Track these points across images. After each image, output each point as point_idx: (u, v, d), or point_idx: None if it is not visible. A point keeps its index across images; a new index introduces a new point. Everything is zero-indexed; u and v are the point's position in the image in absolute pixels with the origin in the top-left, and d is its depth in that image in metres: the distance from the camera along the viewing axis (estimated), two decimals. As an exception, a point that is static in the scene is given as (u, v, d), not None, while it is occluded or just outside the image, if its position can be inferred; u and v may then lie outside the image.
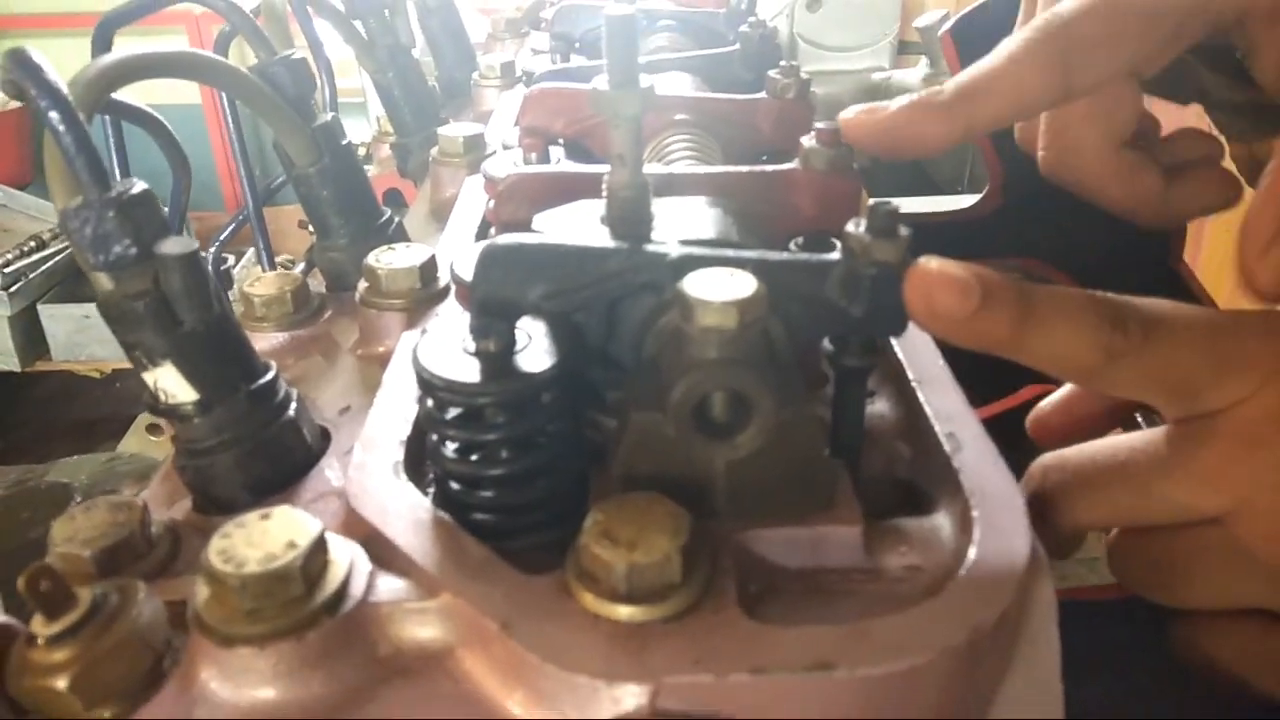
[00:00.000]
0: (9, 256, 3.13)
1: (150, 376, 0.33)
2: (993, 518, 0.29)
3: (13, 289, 3.10)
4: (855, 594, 0.29)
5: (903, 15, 0.98)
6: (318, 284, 0.53)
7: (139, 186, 0.32)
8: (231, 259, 3.31)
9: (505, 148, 0.57)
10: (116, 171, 0.52)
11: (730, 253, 0.30)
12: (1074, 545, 0.37)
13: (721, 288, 0.27)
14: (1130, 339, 0.31)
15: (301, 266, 0.67)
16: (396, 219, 0.52)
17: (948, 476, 0.31)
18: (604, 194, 0.32)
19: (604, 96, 0.30)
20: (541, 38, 0.74)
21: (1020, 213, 0.58)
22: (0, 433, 3.17)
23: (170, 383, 0.33)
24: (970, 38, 0.55)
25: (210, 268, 0.69)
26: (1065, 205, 0.60)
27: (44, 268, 3.20)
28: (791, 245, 0.38)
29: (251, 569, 0.25)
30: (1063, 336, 0.31)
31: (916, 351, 0.37)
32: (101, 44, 0.52)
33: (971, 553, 0.27)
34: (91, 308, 3.14)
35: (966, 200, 0.61)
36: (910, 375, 0.36)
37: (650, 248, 0.30)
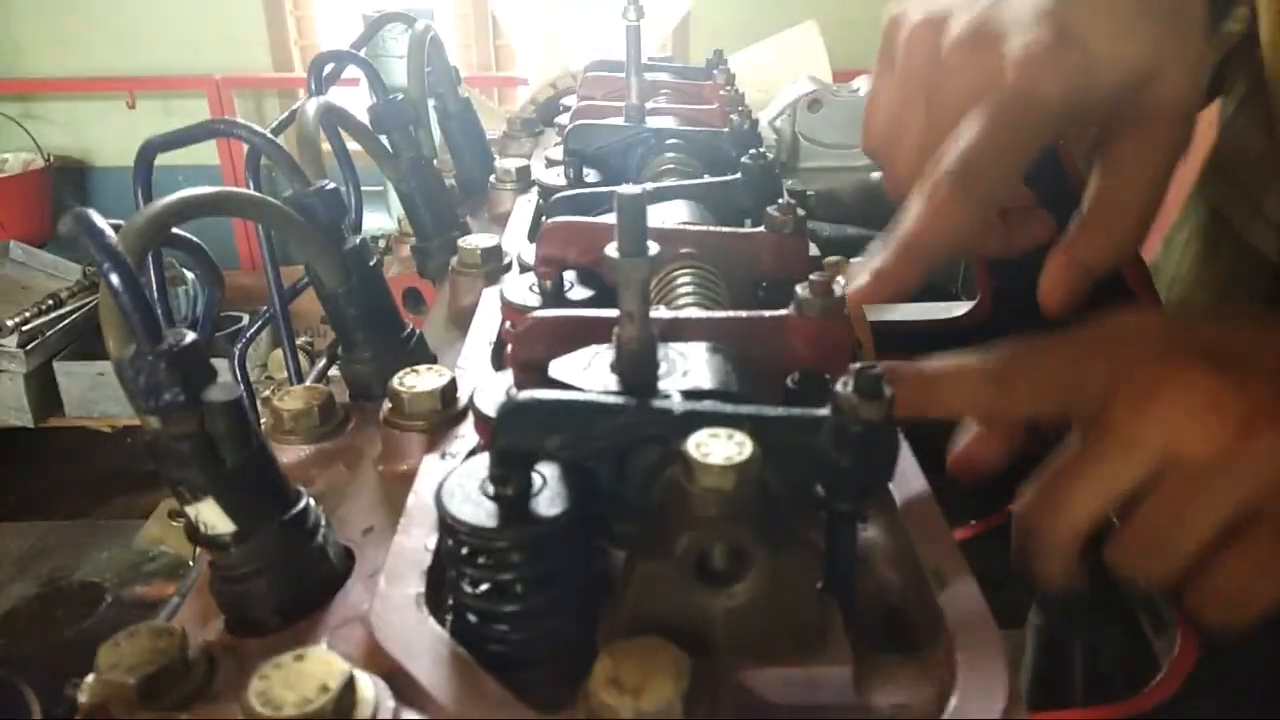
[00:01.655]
0: (27, 314, 3.19)
1: (192, 510, 0.36)
2: (974, 661, 0.31)
3: (29, 346, 3.15)
4: (847, 730, 0.31)
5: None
6: (341, 392, 0.55)
7: (189, 338, 0.35)
8: (245, 319, 3.37)
9: (521, 266, 0.61)
10: (155, 291, 0.55)
11: (729, 408, 0.33)
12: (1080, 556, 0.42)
13: (721, 450, 0.30)
14: (997, 365, 0.42)
15: (323, 363, 0.70)
16: (418, 332, 0.55)
17: (933, 614, 0.33)
18: (614, 344, 0.35)
19: (617, 264, 0.33)
20: (555, 146, 0.78)
21: (1010, 325, 0.61)
22: (13, 488, 3.19)
23: (211, 516, 0.36)
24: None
25: (236, 365, 0.72)
26: (1052, 319, 0.62)
27: (60, 325, 3.26)
28: (789, 382, 0.41)
29: (288, 712, 0.28)
30: (957, 392, 0.43)
31: (906, 484, 0.40)
32: (143, 166, 0.56)
33: (953, 699, 0.30)
34: (106, 365, 3.18)
35: (959, 308, 0.64)
36: (899, 509, 0.38)
37: (656, 403, 0.33)
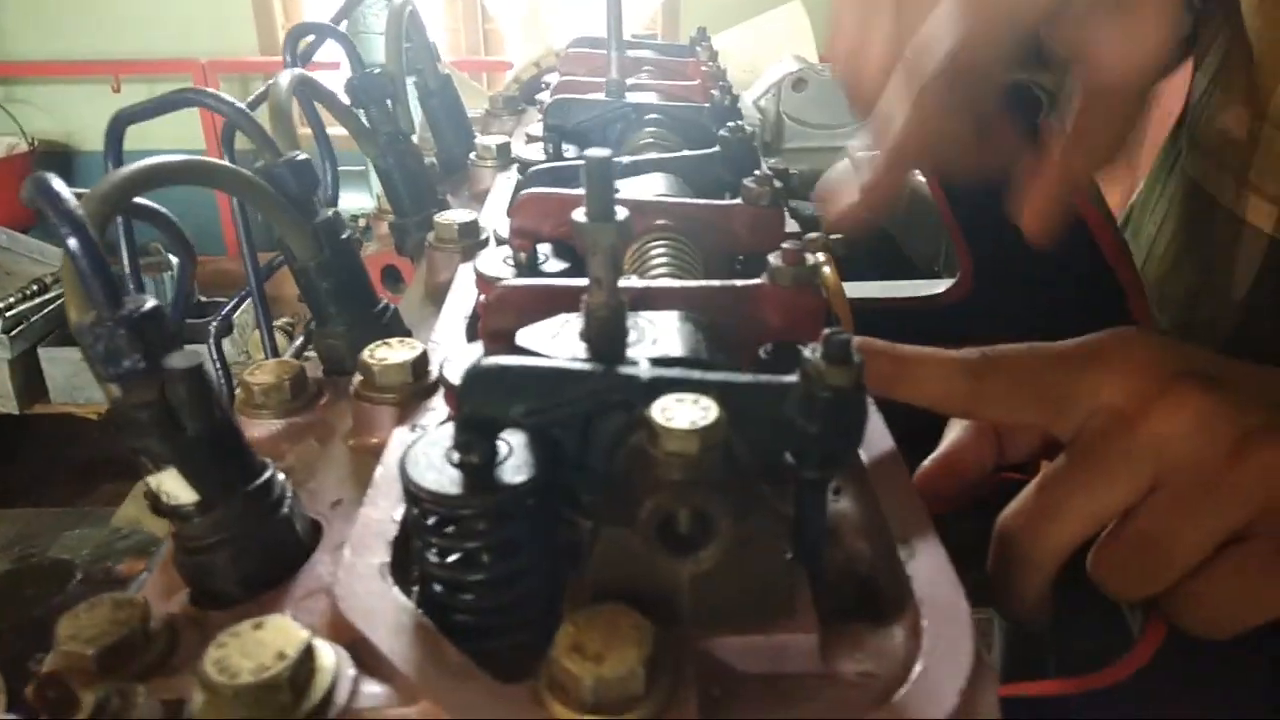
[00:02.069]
0: (11, 300, 3.16)
1: (154, 480, 0.35)
2: (940, 628, 0.31)
3: (14, 332, 3.13)
4: (812, 699, 0.31)
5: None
6: (314, 367, 0.55)
7: (149, 303, 0.34)
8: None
9: (497, 240, 0.60)
10: (125, 260, 0.54)
11: (697, 374, 0.32)
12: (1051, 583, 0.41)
13: (685, 414, 0.29)
14: (978, 359, 0.41)
15: (299, 341, 0.70)
16: (392, 307, 0.54)
17: (901, 583, 0.33)
18: (583, 312, 0.35)
19: (584, 228, 0.32)
20: (536, 124, 0.77)
21: (989, 300, 0.61)
22: (-2, 475, 3.18)
23: (173, 486, 0.35)
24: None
25: (212, 343, 0.71)
26: (1032, 293, 0.62)
27: (45, 311, 3.23)
28: (761, 353, 0.40)
29: (244, 679, 0.27)
30: (930, 378, 0.42)
31: (878, 455, 0.40)
32: (114, 139, 0.55)
33: (919, 665, 0.29)
34: (92, 351, 3.18)
35: (939, 286, 0.63)
36: (871, 479, 0.38)
37: (623, 370, 0.32)
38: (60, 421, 3.27)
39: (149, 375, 0.34)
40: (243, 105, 0.50)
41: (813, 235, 0.60)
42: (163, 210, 0.48)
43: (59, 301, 3.23)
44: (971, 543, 0.44)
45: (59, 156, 4.12)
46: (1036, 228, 0.45)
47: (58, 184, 0.34)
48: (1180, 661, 0.42)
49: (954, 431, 0.48)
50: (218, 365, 0.75)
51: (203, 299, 3.29)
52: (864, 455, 0.39)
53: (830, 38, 0.48)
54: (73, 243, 0.33)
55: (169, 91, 0.50)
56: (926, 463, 0.48)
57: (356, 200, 1.09)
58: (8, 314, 3.10)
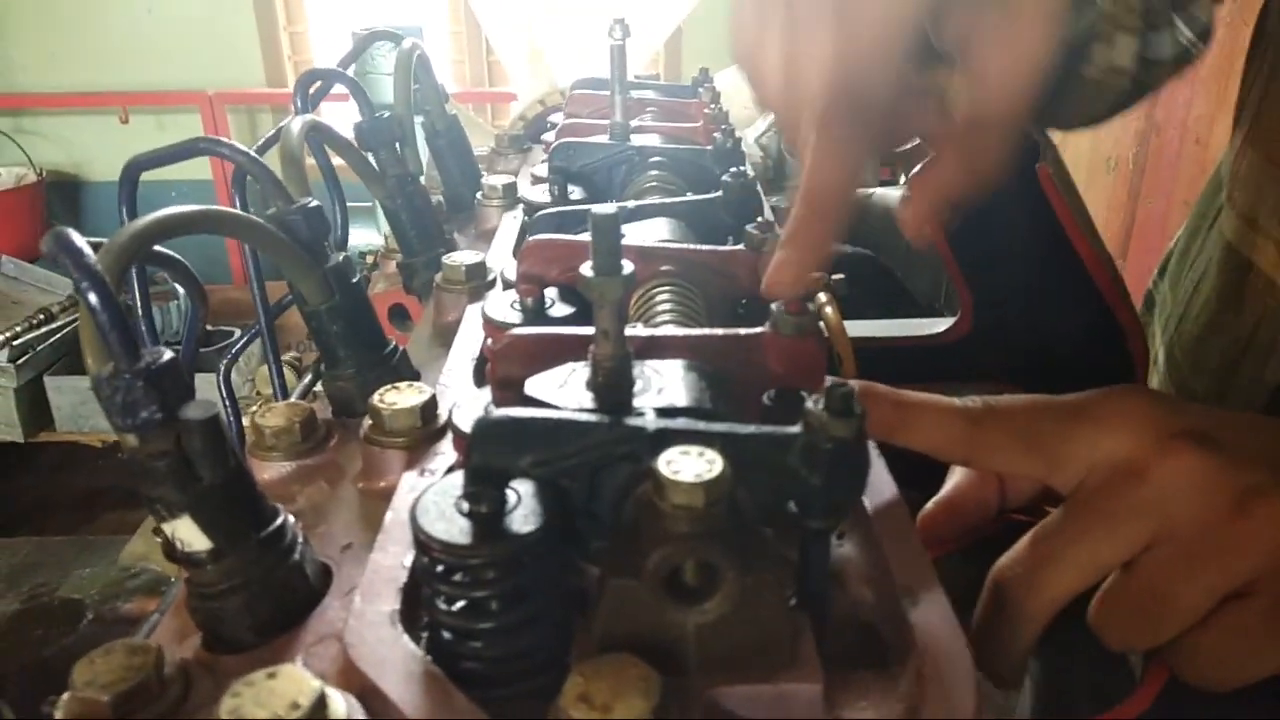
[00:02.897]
0: (18, 329, 3.18)
1: (169, 527, 0.36)
2: (942, 676, 0.31)
3: (20, 361, 3.14)
4: (817, 746, 0.31)
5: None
6: (324, 407, 0.56)
7: (166, 356, 0.35)
8: (238, 333, 3.37)
9: (504, 283, 0.61)
10: (138, 309, 0.55)
11: (702, 426, 0.33)
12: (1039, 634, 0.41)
13: (691, 468, 0.30)
14: (979, 407, 0.42)
15: (308, 379, 0.71)
16: (400, 349, 0.55)
17: (904, 631, 0.34)
18: (590, 361, 0.36)
19: (591, 283, 0.33)
20: (541, 163, 0.78)
21: (987, 339, 0.62)
22: (2, 503, 3.18)
23: (187, 533, 0.36)
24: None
25: (221, 381, 0.72)
26: (1031, 332, 0.63)
27: (51, 340, 3.25)
28: (764, 399, 0.41)
29: (259, 730, 0.28)
30: (930, 425, 0.42)
31: (883, 502, 0.40)
32: (128, 185, 0.56)
33: (924, 714, 0.30)
34: (97, 380, 3.19)
35: (940, 325, 0.64)
36: (875, 527, 0.39)
37: (630, 421, 0.33)
38: (65, 450, 3.28)
39: (165, 426, 0.35)
40: (255, 154, 0.51)
41: (815, 274, 0.61)
42: (178, 258, 0.49)
43: (65, 330, 3.25)
44: (972, 591, 0.45)
45: (67, 187, 4.16)
46: (911, 232, 0.45)
47: (77, 239, 0.35)
48: (1184, 706, 0.42)
49: (957, 474, 0.49)
50: (226, 401, 0.76)
51: (210, 328, 3.31)
52: (867, 502, 0.40)
53: (731, 38, 0.48)
54: (92, 298, 0.33)
55: (183, 141, 0.51)
56: (929, 505, 0.49)
57: (365, 236, 1.10)
58: (15, 343, 3.12)
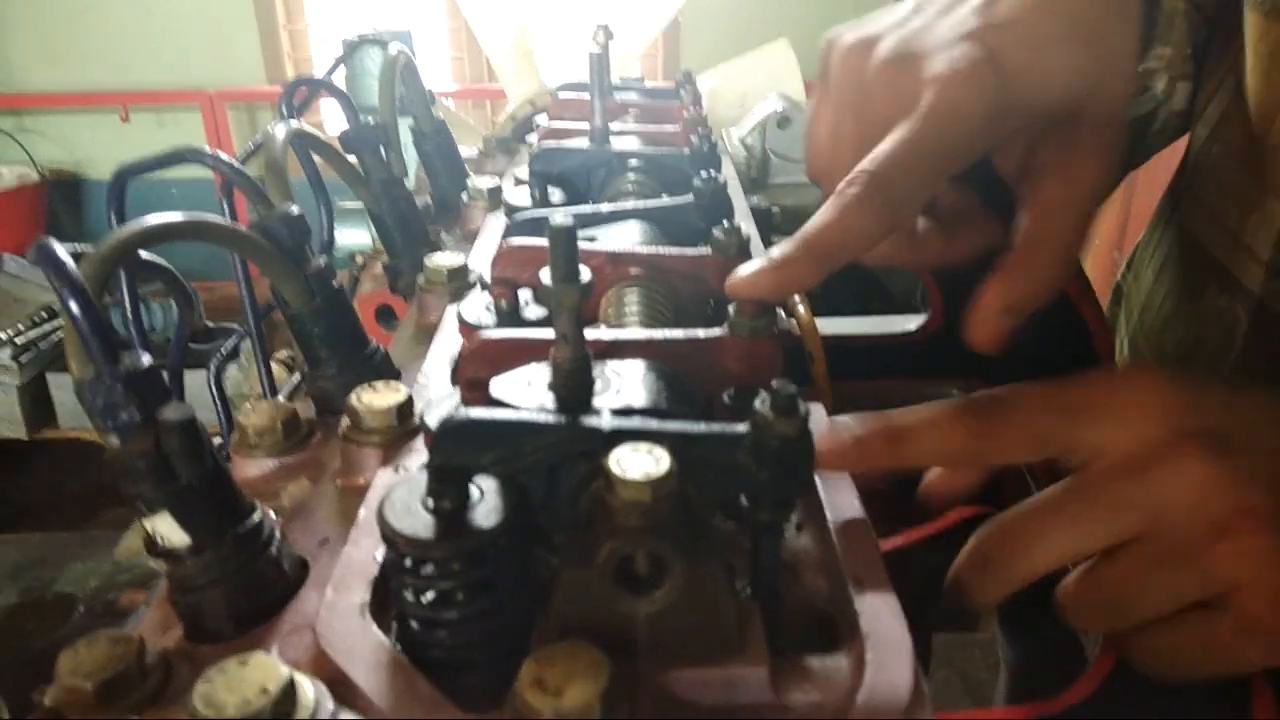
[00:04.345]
0: (20, 327, 3.21)
1: (149, 524, 0.37)
2: (883, 661, 0.33)
3: (23, 359, 3.17)
4: (764, 728, 0.33)
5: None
6: (309, 406, 0.57)
7: (144, 360, 0.37)
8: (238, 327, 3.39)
9: (482, 285, 0.63)
10: (127, 304, 0.57)
11: (655, 425, 0.34)
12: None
13: (639, 465, 0.32)
14: (978, 412, 0.41)
15: (296, 378, 0.72)
16: (381, 350, 0.56)
17: (850, 617, 0.35)
18: (550, 364, 0.37)
19: (549, 291, 0.35)
20: (525, 167, 0.80)
21: (957, 337, 0.63)
22: (5, 499, 3.21)
23: (166, 529, 0.38)
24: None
25: (212, 382, 0.74)
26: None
27: (54, 337, 3.28)
28: (724, 397, 0.43)
29: (229, 713, 0.29)
30: (931, 443, 0.41)
31: (837, 494, 0.42)
32: (117, 192, 0.58)
33: (861, 695, 0.32)
34: (100, 377, 3.21)
35: (911, 322, 0.66)
36: (828, 517, 0.40)
37: (586, 421, 0.34)
38: (67, 446, 3.31)
39: (144, 427, 0.36)
40: (236, 163, 0.53)
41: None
42: (165, 265, 0.50)
43: (67, 329, 3.27)
44: (936, 581, 0.46)
45: (68, 185, 4.18)
46: (981, 341, 0.47)
47: (59, 250, 0.37)
48: (1131, 689, 0.43)
49: None
50: (217, 401, 0.78)
51: (211, 324, 3.33)
52: (823, 497, 0.41)
53: (808, 151, 0.51)
54: (73, 306, 0.35)
55: (170, 150, 0.53)
56: (930, 475, 0.50)
57: (355, 236, 1.12)
58: (18, 340, 3.15)
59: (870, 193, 0.41)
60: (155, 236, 0.43)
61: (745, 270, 0.43)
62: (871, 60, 0.47)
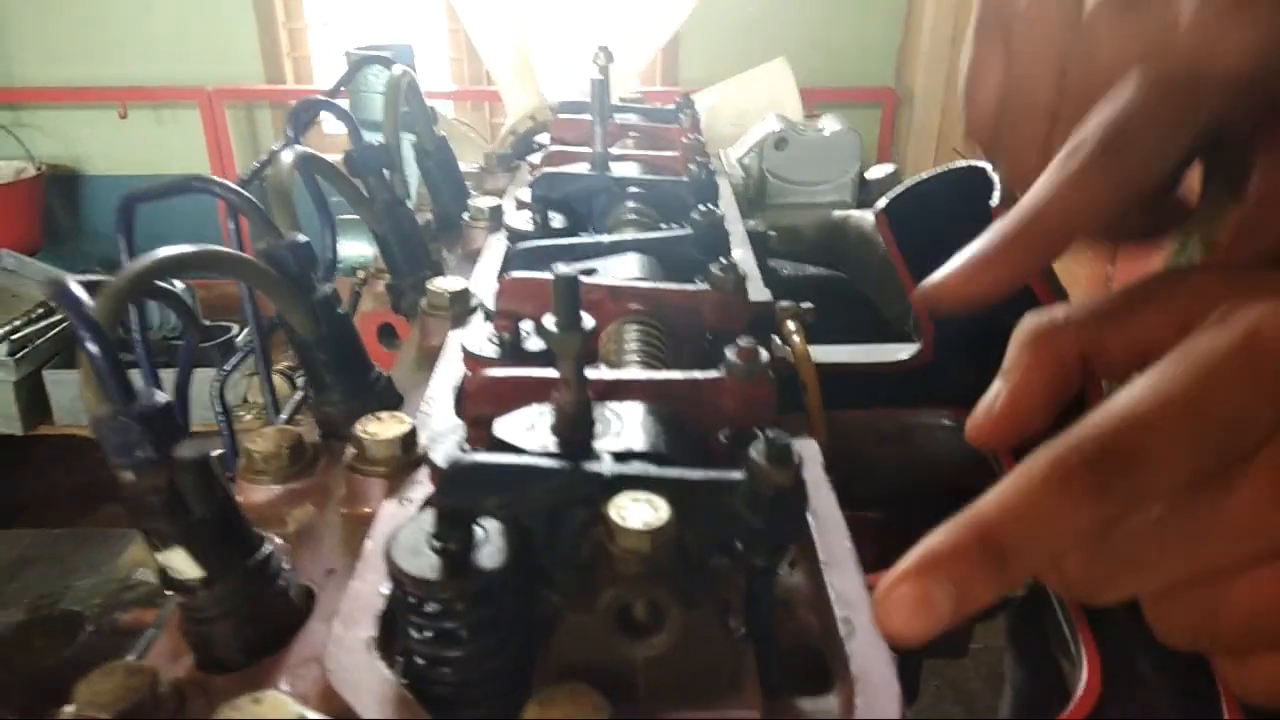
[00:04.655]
0: (16, 323, 3.21)
1: (163, 557, 0.39)
2: (871, 703, 0.34)
3: (19, 355, 3.17)
4: (757, 767, 0.34)
5: (863, 156, 1.07)
6: (311, 429, 0.58)
7: (161, 399, 0.38)
8: (235, 329, 3.40)
9: (484, 313, 0.64)
10: (136, 340, 0.58)
11: (655, 472, 0.36)
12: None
13: (639, 515, 0.33)
14: (1112, 470, 0.26)
15: (298, 397, 0.73)
16: (385, 376, 0.58)
17: (840, 659, 0.37)
18: (553, 407, 0.38)
19: (553, 338, 0.36)
20: (526, 187, 0.81)
21: (949, 366, 0.64)
22: (1, 495, 3.21)
23: (179, 563, 0.39)
24: (902, 216, 0.62)
25: (216, 396, 0.75)
26: (989, 362, 0.66)
27: (51, 334, 3.28)
28: (720, 436, 0.44)
29: (243, 752, 0.31)
30: (1053, 534, 0.27)
31: (828, 533, 0.43)
32: (124, 218, 0.58)
33: (848, 739, 0.33)
34: (95, 374, 3.21)
35: (903, 352, 0.67)
36: (820, 557, 0.41)
37: (588, 467, 0.36)
38: (63, 443, 3.31)
39: (159, 464, 0.37)
40: (244, 192, 0.54)
41: (784, 304, 0.64)
42: (174, 291, 0.51)
43: (65, 324, 3.27)
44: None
45: (65, 180, 4.18)
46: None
47: (76, 290, 0.38)
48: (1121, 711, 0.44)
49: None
50: (220, 415, 0.79)
51: (208, 323, 3.34)
52: (816, 534, 0.43)
53: (969, 113, 0.42)
54: (91, 346, 0.36)
55: (178, 178, 0.54)
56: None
57: (356, 248, 1.12)
58: (14, 337, 3.15)
59: (1105, 162, 0.33)
60: (168, 269, 0.44)
61: (946, 272, 0.34)
62: None
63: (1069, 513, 0.26)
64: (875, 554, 0.45)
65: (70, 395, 3.24)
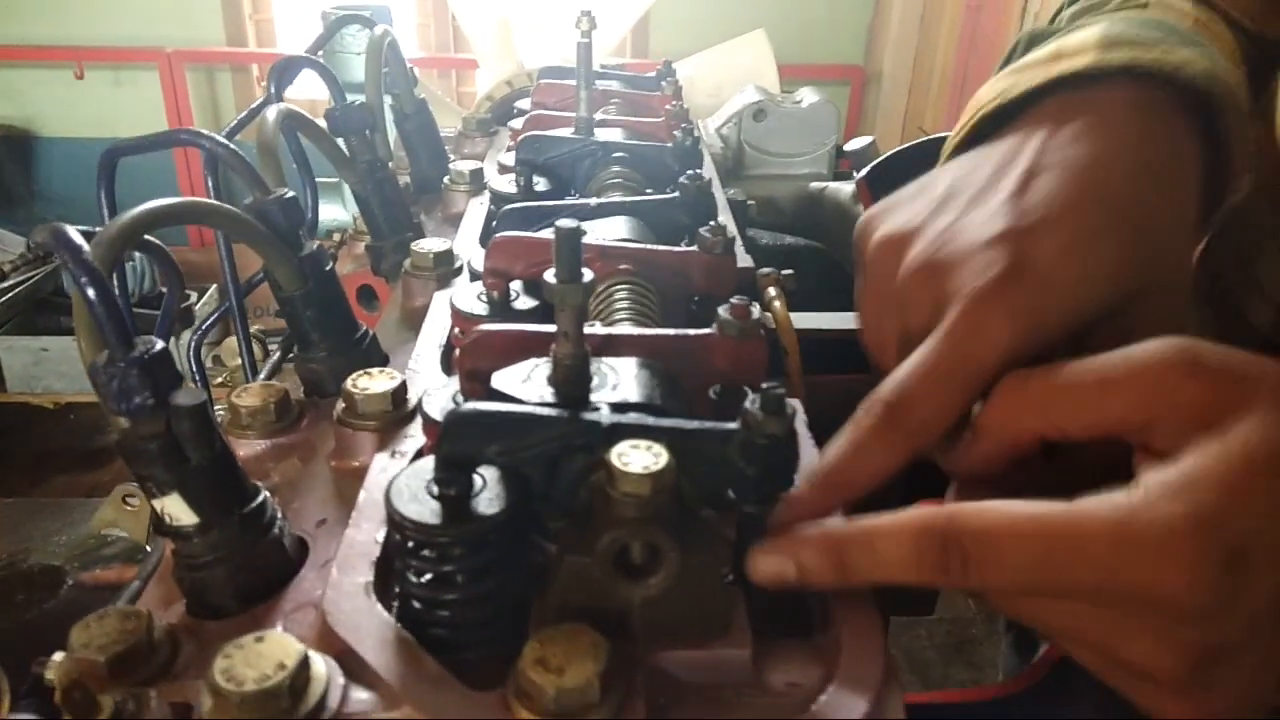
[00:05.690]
0: (-32, 289, 3.12)
1: (159, 503, 0.39)
2: (856, 645, 0.35)
3: (-29, 321, 3.08)
4: (747, 705, 0.35)
5: (840, 128, 1.08)
6: (295, 387, 0.59)
7: (158, 346, 0.38)
8: (194, 296, 3.34)
9: (471, 274, 0.64)
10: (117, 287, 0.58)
11: (651, 421, 0.36)
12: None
13: (639, 460, 0.34)
14: (955, 562, 0.33)
15: (277, 357, 0.73)
16: (371, 333, 0.58)
17: (826, 604, 0.38)
18: (551, 359, 0.39)
19: (554, 289, 0.37)
20: (508, 152, 0.81)
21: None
22: (-46, 465, 3.14)
23: (175, 509, 0.39)
24: (883, 185, 0.63)
25: (192, 355, 0.74)
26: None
27: (3, 300, 3.19)
28: (711, 393, 0.45)
29: (249, 687, 0.31)
30: (888, 573, 0.35)
31: (813, 487, 0.44)
32: (107, 170, 0.58)
33: (836, 676, 0.34)
34: (49, 340, 3.13)
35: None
36: (806, 509, 0.43)
37: (587, 416, 0.36)
38: (16, 411, 3.24)
39: (156, 411, 0.38)
40: (232, 146, 0.53)
41: (766, 271, 0.65)
42: (159, 244, 0.51)
43: (17, 290, 3.19)
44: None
45: (19, 141, 4.06)
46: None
47: (74, 236, 0.37)
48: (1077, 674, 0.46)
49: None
50: (195, 376, 0.79)
51: (164, 290, 3.28)
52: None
53: (860, 323, 0.49)
54: (90, 292, 0.36)
55: (164, 131, 0.54)
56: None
57: (331, 212, 1.10)
58: (-36, 303, 3.06)
59: (886, 425, 0.38)
60: (159, 220, 0.44)
61: (796, 494, 0.38)
62: (903, 265, 0.43)
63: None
64: (847, 512, 0.46)
65: (24, 362, 3.17)
